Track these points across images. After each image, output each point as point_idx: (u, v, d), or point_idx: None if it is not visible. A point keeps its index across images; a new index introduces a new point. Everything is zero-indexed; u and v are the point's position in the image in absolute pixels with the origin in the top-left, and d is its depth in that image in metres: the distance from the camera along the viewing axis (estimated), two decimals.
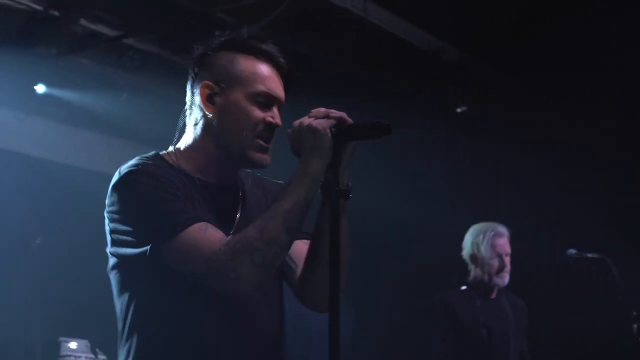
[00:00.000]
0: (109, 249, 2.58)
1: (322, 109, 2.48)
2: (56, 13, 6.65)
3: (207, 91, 2.60)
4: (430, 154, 7.08)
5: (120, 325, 2.59)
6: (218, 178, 2.65)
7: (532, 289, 6.01)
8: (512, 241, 5.49)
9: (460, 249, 5.59)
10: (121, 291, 2.58)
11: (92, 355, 6.99)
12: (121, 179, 2.52)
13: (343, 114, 2.46)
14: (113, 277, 2.61)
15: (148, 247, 2.41)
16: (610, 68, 6.38)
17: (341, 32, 6.80)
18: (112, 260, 2.59)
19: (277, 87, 2.62)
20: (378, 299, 7.83)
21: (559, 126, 7.18)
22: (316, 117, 2.46)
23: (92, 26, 6.81)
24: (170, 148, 2.69)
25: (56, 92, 7.65)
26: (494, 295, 5.51)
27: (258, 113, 2.57)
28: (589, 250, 5.22)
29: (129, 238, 2.47)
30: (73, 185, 7.69)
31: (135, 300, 2.55)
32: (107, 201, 2.54)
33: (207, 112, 2.61)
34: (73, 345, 6.99)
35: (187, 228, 2.39)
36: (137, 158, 2.57)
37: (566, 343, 7.02)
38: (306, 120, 2.46)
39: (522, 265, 5.57)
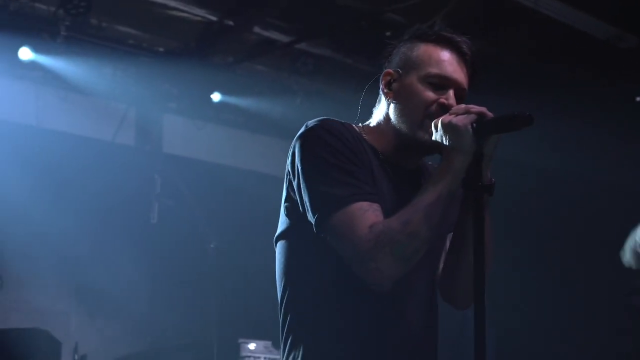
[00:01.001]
0: (282, 207, 2.61)
1: (462, 105, 2.47)
2: (231, 23, 6.84)
3: (387, 78, 2.64)
4: (610, 144, 6.87)
5: (279, 296, 2.62)
6: (400, 160, 2.65)
7: None
8: None
9: None
10: (285, 262, 2.61)
11: (271, 356, 7.13)
12: (306, 130, 2.54)
13: (483, 109, 2.43)
14: (279, 248, 2.63)
15: (315, 216, 2.44)
16: None
17: (513, 25, 6.70)
18: (281, 227, 2.63)
19: (454, 71, 2.60)
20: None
21: None
22: (456, 114, 2.44)
23: (266, 33, 6.96)
24: (359, 124, 2.71)
25: (233, 99, 7.87)
26: None
27: (430, 94, 2.57)
28: None
29: (302, 194, 2.49)
30: (252, 190, 7.89)
31: (296, 273, 2.58)
32: (289, 152, 2.56)
33: (385, 98, 2.64)
34: (252, 346, 7.16)
35: (351, 204, 2.40)
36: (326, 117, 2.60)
37: None
38: (447, 117, 2.45)
39: None
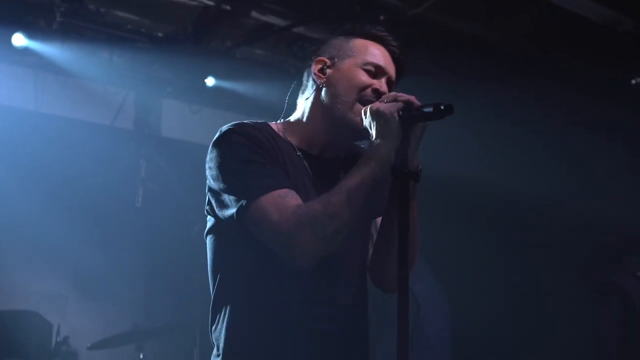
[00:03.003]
0: (205, 208, 2.72)
1: (392, 93, 2.58)
2: (228, 7, 6.83)
3: (319, 65, 2.76)
4: (606, 127, 6.88)
5: (211, 290, 2.72)
6: (322, 151, 2.75)
7: None
8: None
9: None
10: (212, 257, 2.70)
11: None
12: (220, 136, 2.66)
13: (411, 97, 2.52)
14: (208, 241, 2.73)
15: (235, 208, 2.51)
16: None
17: (511, 10, 6.69)
18: (208, 223, 2.72)
19: (387, 64, 2.74)
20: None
21: None
22: (385, 102, 2.53)
23: (263, 17, 6.95)
24: (280, 121, 2.83)
25: (230, 84, 7.86)
26: None
27: (366, 78, 2.69)
28: None
29: (220, 195, 2.59)
30: None
31: (224, 265, 2.67)
32: (207, 157, 2.67)
33: (318, 82, 2.74)
34: None
35: (269, 192, 2.48)
36: (241, 121, 2.71)
37: None
38: (375, 104, 2.55)
39: None
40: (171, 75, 7.67)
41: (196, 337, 6.47)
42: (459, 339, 6.35)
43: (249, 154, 2.56)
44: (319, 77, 2.74)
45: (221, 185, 2.58)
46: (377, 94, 2.66)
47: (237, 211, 2.51)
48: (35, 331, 5.81)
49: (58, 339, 5.80)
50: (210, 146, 2.67)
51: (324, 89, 2.72)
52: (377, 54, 2.73)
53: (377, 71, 2.71)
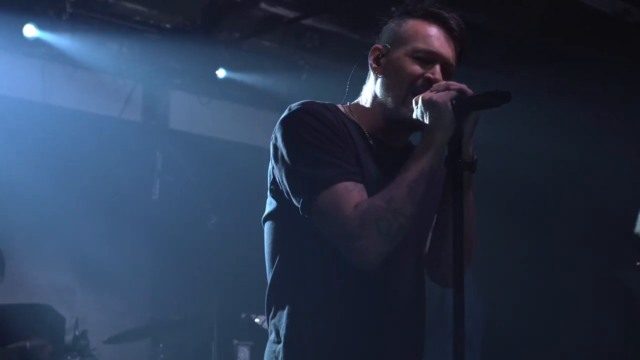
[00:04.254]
0: (269, 188, 2.64)
1: (443, 82, 2.50)
2: None
3: (375, 53, 2.67)
4: (617, 119, 6.86)
5: (268, 276, 2.64)
6: (387, 138, 2.67)
7: None
8: None
9: None
10: (273, 242, 2.63)
11: None
12: (290, 114, 2.56)
13: (463, 86, 2.45)
14: (267, 227, 2.66)
15: (301, 199, 2.45)
16: None
17: (520, 1, 6.68)
18: (269, 208, 2.65)
19: (441, 46, 2.61)
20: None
21: None
22: (437, 91, 2.46)
23: (272, 9, 6.94)
24: (346, 104, 2.74)
25: (239, 75, 7.85)
26: None
27: (416, 68, 2.59)
28: None
29: (287, 178, 2.51)
30: (255, 165, 7.88)
31: (284, 252, 2.60)
32: (272, 135, 2.57)
33: (373, 73, 2.66)
34: (257, 320, 7.19)
35: (337, 183, 2.42)
36: (311, 100, 2.61)
37: None
38: (427, 94, 2.47)
39: None
40: (180, 67, 7.67)
41: (213, 330, 6.47)
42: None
43: (319, 138, 2.48)
44: (375, 69, 2.66)
45: (288, 168, 2.49)
46: (430, 83, 2.55)
47: (302, 201, 2.46)
48: (48, 324, 5.80)
49: (77, 333, 5.78)
50: (278, 124, 2.55)
51: (379, 79, 2.64)
52: (429, 37, 2.61)
53: (429, 57, 2.59)
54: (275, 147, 2.55)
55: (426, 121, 2.46)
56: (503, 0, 6.61)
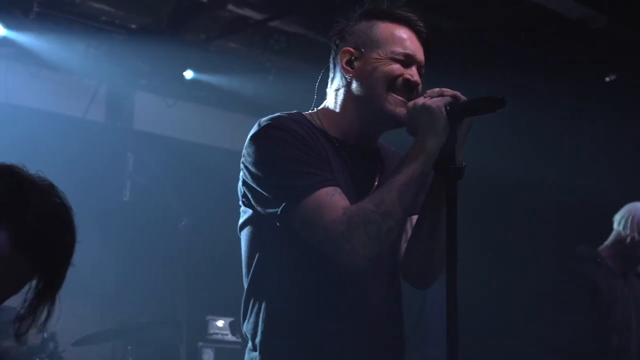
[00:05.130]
0: (240, 201, 2.63)
1: (437, 89, 2.51)
2: (204, 0, 6.83)
3: (347, 56, 2.65)
4: (579, 123, 6.93)
5: (245, 283, 2.64)
6: (358, 142, 2.67)
7: None
8: None
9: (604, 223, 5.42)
10: (249, 250, 2.62)
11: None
12: (260, 130, 2.55)
13: (457, 92, 2.47)
14: (243, 235, 2.65)
15: (279, 208, 2.45)
16: None
17: (484, 4, 6.72)
18: (242, 217, 2.65)
19: (416, 49, 2.64)
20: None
21: None
22: (431, 97, 2.48)
23: (239, 10, 6.95)
24: (314, 110, 2.73)
25: (205, 77, 7.85)
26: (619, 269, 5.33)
27: (397, 68, 2.59)
28: None
29: (260, 192, 2.51)
30: (222, 167, 7.87)
31: (259, 260, 2.59)
32: (243, 151, 2.58)
33: (346, 76, 2.65)
34: (220, 323, 7.19)
35: (316, 191, 2.42)
36: (279, 113, 2.61)
37: None
38: (420, 99, 2.49)
39: None
40: (147, 68, 7.66)
41: (182, 332, 6.45)
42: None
43: (292, 150, 2.48)
44: (348, 71, 2.64)
45: (262, 183, 2.50)
46: (408, 85, 2.58)
47: (281, 210, 2.44)
48: (15, 327, 5.72)
49: (45, 335, 5.73)
50: (248, 141, 2.56)
51: (354, 82, 2.63)
52: (404, 40, 2.62)
53: (407, 60, 2.60)
54: (248, 164, 2.55)
55: (419, 126, 2.47)
56: (468, 2, 6.65)
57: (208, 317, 7.16)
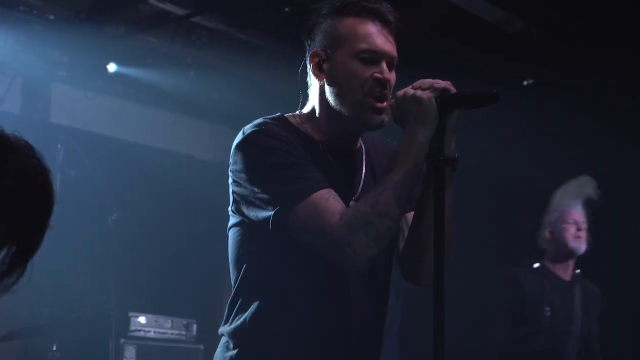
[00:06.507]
0: (230, 208, 2.60)
1: (427, 80, 2.47)
2: None
3: (315, 60, 2.61)
4: (497, 128, 7.02)
5: (232, 282, 2.62)
6: (341, 143, 2.64)
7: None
8: None
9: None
10: (238, 252, 2.61)
11: (160, 330, 7.12)
12: (245, 138, 2.52)
13: (448, 84, 2.46)
14: (231, 235, 2.63)
15: (272, 212, 2.43)
16: None
17: (402, 4, 6.75)
18: (232, 219, 2.62)
19: (382, 42, 2.56)
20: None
21: (628, 97, 7.05)
22: (421, 88, 2.45)
23: (161, 5, 6.88)
24: (296, 112, 2.69)
25: (125, 70, 7.76)
26: (568, 277, 5.43)
27: (363, 70, 2.53)
28: None
29: (252, 200, 2.48)
30: (143, 162, 7.81)
31: (248, 262, 2.57)
32: (230, 160, 2.55)
33: (318, 80, 2.61)
34: (142, 319, 7.12)
35: (311, 194, 2.40)
36: (261, 118, 2.58)
37: None
38: (410, 90, 2.45)
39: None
40: (66, 60, 7.53)
41: (112, 328, 6.38)
42: None
43: (282, 156, 2.46)
44: (318, 76, 2.60)
45: (255, 190, 2.47)
46: (380, 82, 2.52)
47: (275, 216, 2.42)
48: None
49: None
50: (234, 150, 2.53)
51: (326, 87, 2.58)
52: (369, 35, 2.54)
53: (374, 57, 2.54)
54: (238, 172, 2.53)
55: (408, 117, 2.44)
56: (402, 3, 6.67)
57: (130, 314, 7.08)
